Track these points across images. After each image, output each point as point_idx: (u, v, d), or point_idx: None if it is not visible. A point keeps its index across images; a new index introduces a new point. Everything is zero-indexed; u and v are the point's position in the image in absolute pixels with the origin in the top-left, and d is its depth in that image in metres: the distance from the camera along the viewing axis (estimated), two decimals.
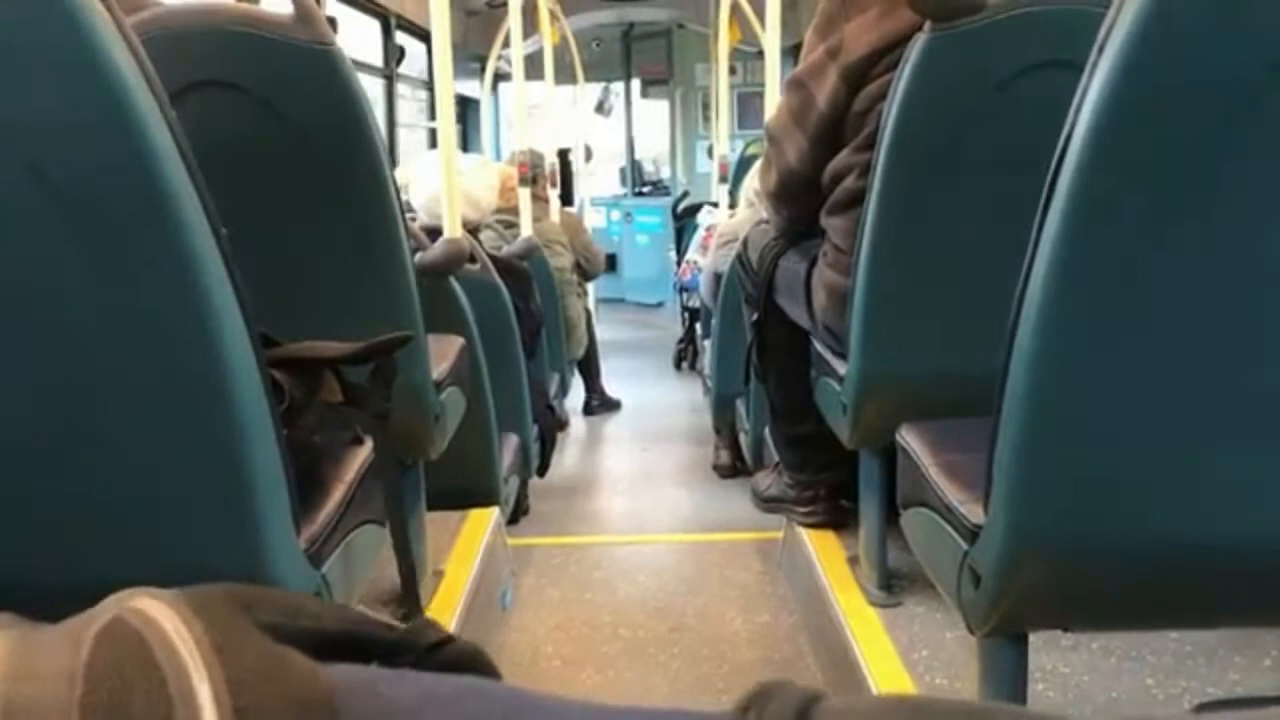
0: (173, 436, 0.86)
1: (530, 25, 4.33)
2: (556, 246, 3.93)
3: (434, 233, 2.23)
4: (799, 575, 2.18)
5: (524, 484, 2.82)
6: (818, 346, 1.88)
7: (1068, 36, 1.35)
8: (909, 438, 1.24)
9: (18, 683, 0.22)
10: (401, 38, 5.10)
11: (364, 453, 1.23)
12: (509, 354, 2.53)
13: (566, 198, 5.77)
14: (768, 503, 2.30)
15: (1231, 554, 0.93)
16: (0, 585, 0.85)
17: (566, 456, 3.83)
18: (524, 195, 3.62)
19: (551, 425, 3.19)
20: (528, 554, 2.60)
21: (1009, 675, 1.11)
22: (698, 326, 4.86)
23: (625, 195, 8.51)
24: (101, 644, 0.23)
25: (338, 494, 1.11)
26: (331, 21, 1.46)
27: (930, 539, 1.14)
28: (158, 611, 0.24)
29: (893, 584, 1.83)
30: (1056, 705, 1.44)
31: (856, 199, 1.60)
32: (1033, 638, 1.13)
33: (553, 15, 5.01)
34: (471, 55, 6.19)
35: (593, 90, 8.25)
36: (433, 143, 5.69)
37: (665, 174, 8.74)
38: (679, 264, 5.46)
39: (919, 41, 1.42)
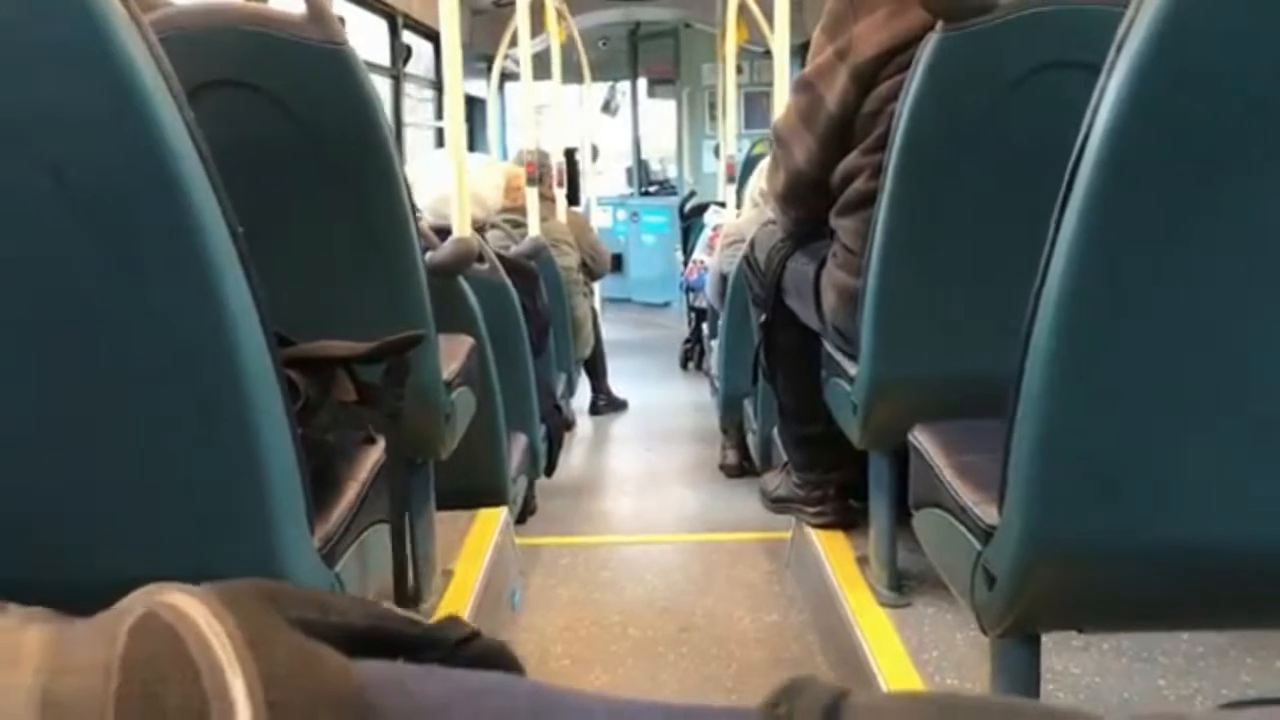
0: (189, 435, 0.86)
1: (537, 24, 4.33)
2: (563, 246, 3.93)
3: (440, 232, 2.24)
4: (808, 575, 2.18)
5: (531, 484, 2.82)
6: (827, 347, 1.88)
7: (1080, 36, 1.35)
8: (922, 438, 1.24)
9: (55, 675, 0.22)
10: (408, 37, 5.11)
11: (376, 452, 1.23)
12: (517, 354, 2.53)
13: (573, 197, 5.78)
14: (776, 503, 2.30)
15: (1246, 556, 0.93)
16: (18, 582, 0.85)
17: (573, 456, 3.83)
18: (531, 195, 3.62)
19: (559, 425, 3.19)
20: (536, 553, 2.60)
21: (1021, 676, 1.11)
22: (704, 326, 4.86)
23: (632, 195, 8.51)
24: (135, 637, 0.23)
25: (351, 493, 1.11)
26: (339, 20, 1.46)
27: (943, 540, 1.14)
28: (189, 606, 0.24)
29: (902, 584, 1.82)
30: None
31: (867, 200, 1.60)
32: (1044, 639, 1.13)
33: (560, 14, 5.01)
34: (478, 55, 6.19)
35: (599, 90, 8.25)
36: (439, 142, 5.69)
37: (672, 174, 8.74)
38: (685, 264, 5.47)
39: (931, 41, 1.42)
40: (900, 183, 1.48)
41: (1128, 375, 0.87)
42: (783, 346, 2.12)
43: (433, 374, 1.61)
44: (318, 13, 1.38)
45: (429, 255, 1.91)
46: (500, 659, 0.31)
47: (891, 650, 1.62)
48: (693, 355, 5.42)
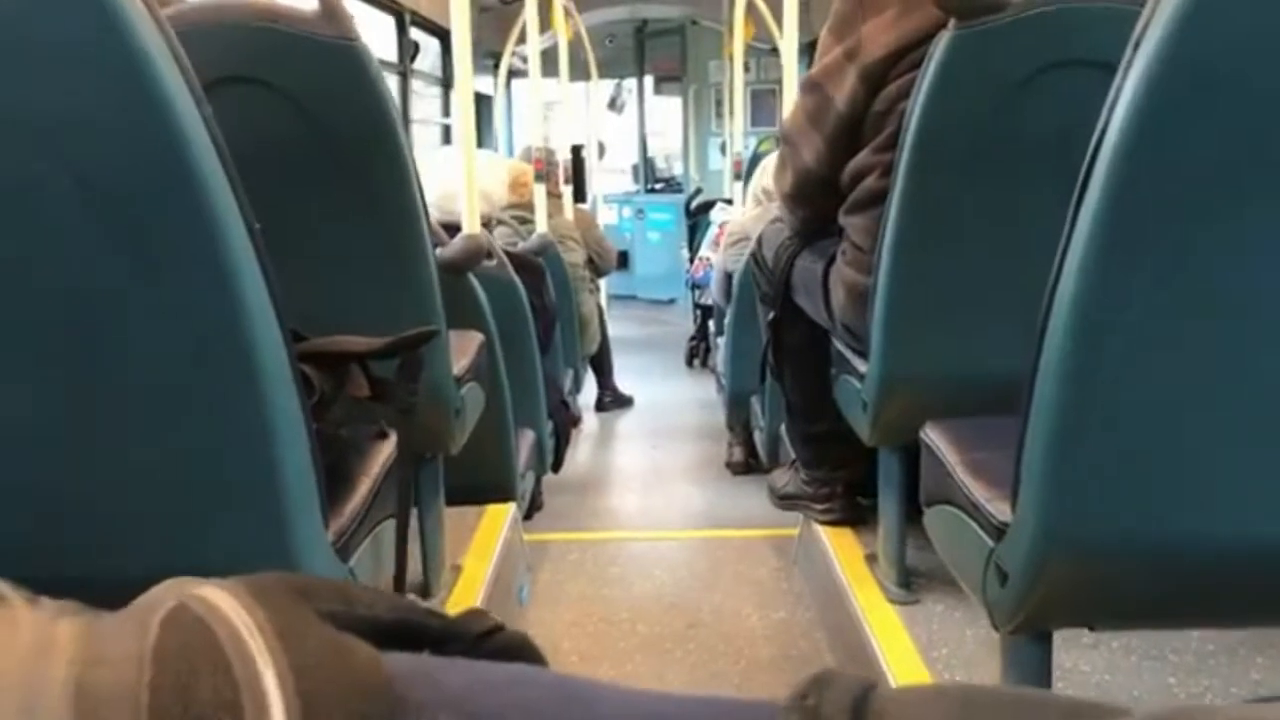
0: (205, 430, 0.86)
1: (544, 22, 4.33)
2: (569, 242, 3.93)
3: (446, 228, 2.24)
4: (816, 572, 2.18)
5: (538, 479, 2.82)
6: (837, 345, 1.88)
7: (1093, 34, 1.35)
8: (933, 435, 1.24)
9: (87, 666, 0.22)
10: (415, 33, 5.11)
11: (388, 447, 1.24)
12: (525, 350, 2.54)
13: (579, 194, 5.77)
14: (784, 500, 2.30)
15: (1258, 554, 0.93)
16: (34, 578, 0.85)
17: (579, 452, 3.83)
18: (539, 191, 3.62)
19: (566, 421, 3.19)
20: (543, 549, 2.61)
21: (1033, 673, 1.11)
22: (710, 324, 4.86)
23: (638, 192, 8.50)
24: (167, 629, 0.23)
25: (364, 488, 1.11)
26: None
27: (955, 537, 1.14)
28: (219, 598, 0.24)
29: (911, 581, 1.82)
30: None
31: (877, 198, 1.60)
32: (1054, 636, 1.13)
33: (567, 12, 5.01)
34: (485, 52, 6.19)
35: (606, 87, 8.24)
36: (446, 139, 5.69)
37: (678, 171, 8.73)
38: (691, 261, 5.46)
39: (942, 40, 1.41)
40: (911, 180, 1.48)
41: (1142, 374, 0.87)
42: (790, 344, 2.12)
43: (443, 370, 1.61)
44: (330, 9, 1.38)
45: (438, 251, 1.91)
46: (522, 651, 0.32)
47: (901, 647, 1.63)
48: (698, 352, 5.41)
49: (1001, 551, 1.00)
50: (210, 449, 0.87)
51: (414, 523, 1.45)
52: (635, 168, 8.62)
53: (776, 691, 0.24)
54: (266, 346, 0.85)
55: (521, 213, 3.68)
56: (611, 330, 4.76)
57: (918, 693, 0.24)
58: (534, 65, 3.69)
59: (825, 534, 2.12)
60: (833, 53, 1.67)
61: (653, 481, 3.51)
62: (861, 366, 1.68)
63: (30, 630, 0.23)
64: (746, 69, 5.24)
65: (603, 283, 4.83)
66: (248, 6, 1.42)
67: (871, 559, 1.95)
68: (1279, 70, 0.78)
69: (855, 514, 2.15)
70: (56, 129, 0.77)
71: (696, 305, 5.43)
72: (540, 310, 2.83)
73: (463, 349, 1.80)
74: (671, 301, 7.81)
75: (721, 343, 3.67)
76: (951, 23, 1.40)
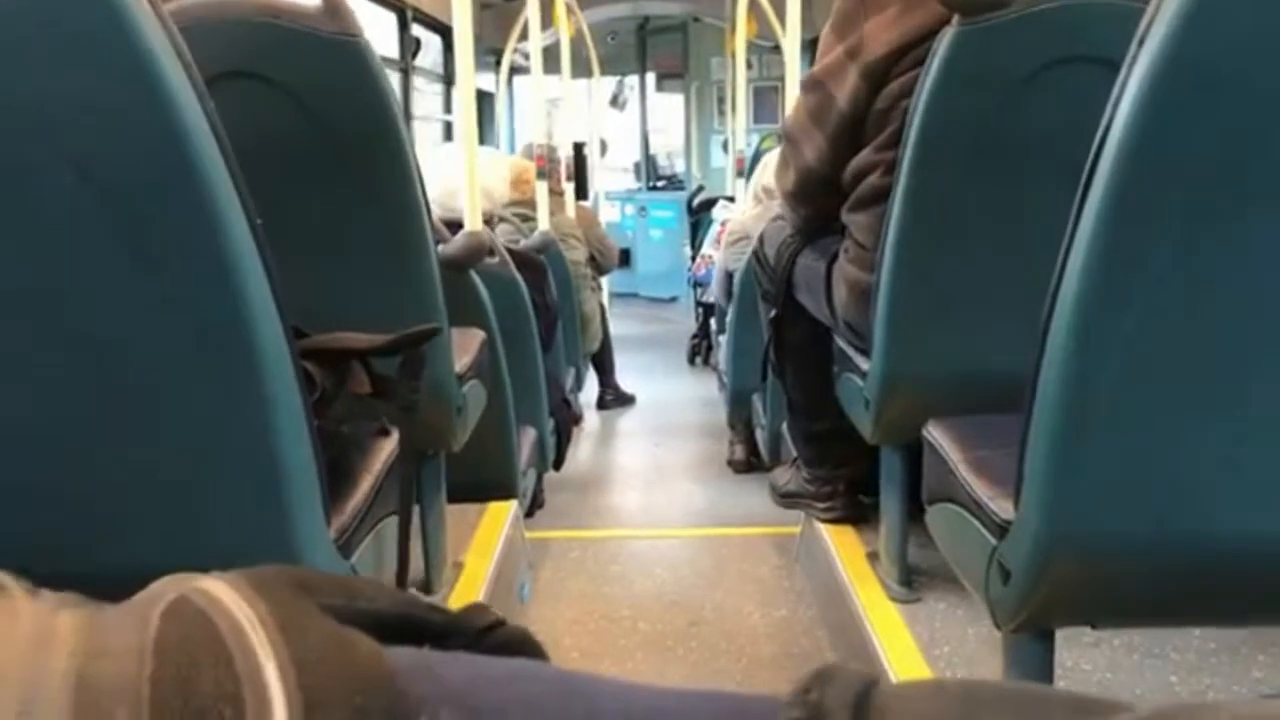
0: (206, 426, 0.86)
1: (546, 18, 4.33)
2: (571, 240, 3.93)
3: (448, 225, 2.24)
4: (817, 570, 2.18)
5: (540, 477, 2.82)
6: (839, 342, 1.88)
7: (1097, 31, 1.35)
8: (936, 433, 1.24)
9: (89, 659, 0.22)
10: (417, 30, 5.11)
11: (390, 444, 1.23)
12: (527, 348, 2.53)
13: (581, 192, 5.78)
14: (786, 498, 2.30)
15: (1262, 552, 0.93)
16: (35, 572, 0.85)
17: (581, 450, 3.83)
18: (541, 189, 3.62)
19: (568, 419, 3.19)
20: (545, 547, 2.61)
21: (1035, 672, 1.11)
22: (712, 322, 4.86)
23: (640, 189, 8.50)
24: (168, 622, 0.23)
25: (366, 484, 1.11)
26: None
27: (957, 535, 1.14)
28: (220, 591, 0.24)
29: (913, 579, 1.82)
30: None
31: (880, 195, 1.60)
32: (1056, 634, 1.13)
33: (569, 9, 5.01)
34: (486, 49, 6.19)
35: (608, 84, 8.24)
36: (447, 135, 5.70)
37: (680, 168, 8.73)
38: (694, 259, 5.46)
39: (946, 36, 1.41)
40: (914, 177, 1.48)
41: (1145, 372, 0.87)
42: (792, 342, 2.12)
43: (445, 367, 1.61)
44: (333, 5, 1.37)
45: (440, 248, 1.91)
46: (524, 647, 0.31)
47: (902, 645, 1.62)
48: (700, 350, 5.41)
49: (1004, 550, 1.00)
50: (211, 445, 0.87)
51: (415, 520, 1.45)
52: (637, 165, 8.61)
53: (778, 689, 0.24)
54: (268, 343, 0.85)
55: (523, 210, 3.67)
56: (613, 328, 4.76)
57: (919, 688, 0.24)
58: (536, 62, 3.69)
59: (827, 532, 2.12)
60: (834, 51, 1.67)
61: (654, 479, 3.52)
62: (864, 364, 1.68)
63: (31, 622, 0.23)
64: (749, 66, 5.23)
65: (604, 280, 4.83)
66: (250, 2, 1.42)
67: (873, 557, 1.95)
68: None
69: (857, 512, 2.15)
70: (60, 123, 0.77)
71: (698, 303, 5.43)
72: (542, 308, 2.83)
73: (464, 346, 1.80)
74: (673, 299, 7.81)
75: (723, 341, 3.67)
76: (955, 19, 1.40)
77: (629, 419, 4.45)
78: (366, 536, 1.08)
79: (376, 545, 1.11)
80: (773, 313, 2.13)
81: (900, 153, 1.50)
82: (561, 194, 4.17)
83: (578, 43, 5.70)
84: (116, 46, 0.75)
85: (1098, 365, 0.87)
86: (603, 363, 4.52)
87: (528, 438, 2.55)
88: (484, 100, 6.78)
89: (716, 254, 4.23)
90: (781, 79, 5.95)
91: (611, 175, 8.27)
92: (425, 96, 5.72)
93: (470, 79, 2.19)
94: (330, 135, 1.40)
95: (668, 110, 8.75)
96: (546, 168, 3.65)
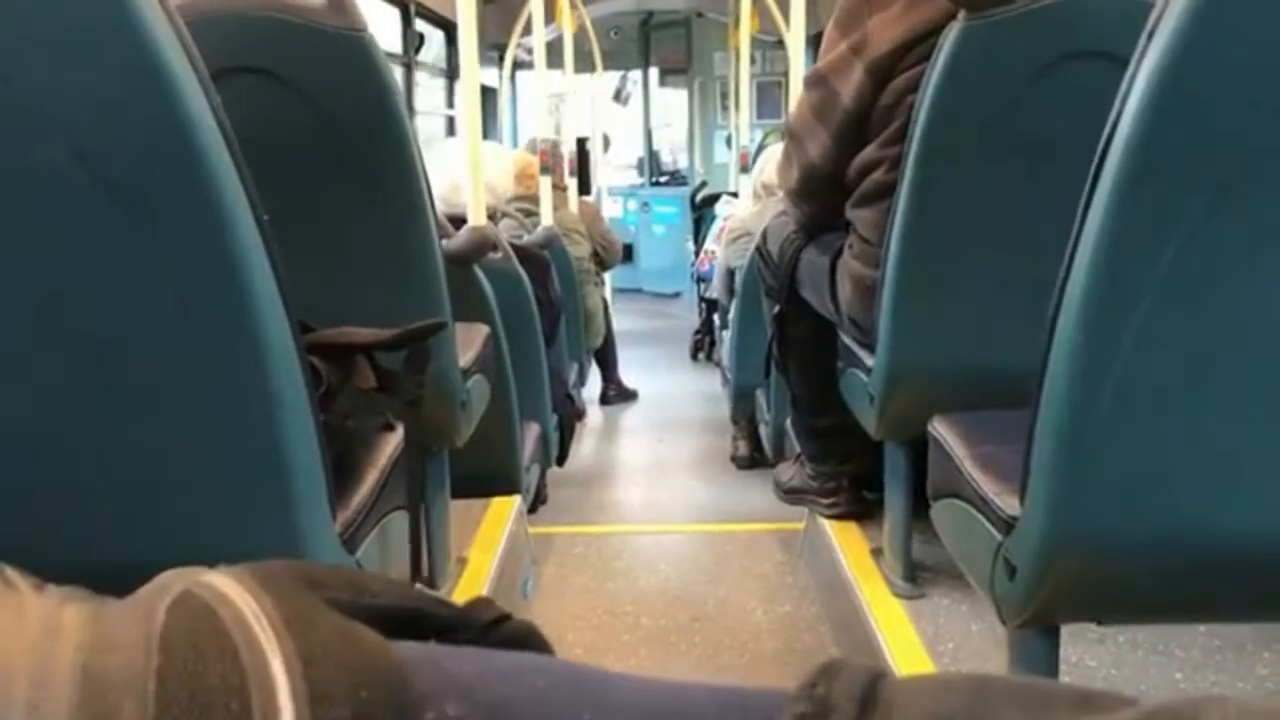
0: (212, 421, 0.86)
1: (549, 13, 4.32)
2: (574, 235, 3.93)
3: (451, 221, 2.24)
4: (821, 566, 2.18)
5: (543, 473, 2.82)
6: (843, 338, 1.88)
7: (1104, 26, 1.34)
8: (941, 429, 1.23)
9: (95, 652, 0.22)
10: (420, 25, 5.10)
11: (395, 439, 1.23)
12: (530, 343, 2.53)
13: (584, 187, 5.78)
14: (790, 494, 2.30)
15: (1269, 550, 0.93)
16: (40, 566, 0.85)
17: (584, 446, 3.83)
18: (545, 184, 3.62)
19: (570, 415, 3.19)
20: (548, 542, 2.61)
21: (1040, 667, 1.11)
22: (715, 317, 4.86)
23: (643, 185, 8.50)
24: (174, 616, 0.23)
25: (371, 479, 1.11)
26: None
27: (963, 530, 1.13)
28: (226, 585, 0.24)
29: (917, 576, 1.82)
30: None
31: (885, 191, 1.59)
32: (1060, 630, 1.13)
33: (572, 3, 5.00)
34: (489, 44, 6.18)
35: (611, 79, 8.23)
36: (450, 130, 5.69)
37: (683, 163, 8.72)
38: (697, 254, 5.46)
39: (953, 31, 1.41)
40: (920, 173, 1.47)
41: (1152, 369, 0.87)
42: (796, 338, 2.12)
43: (449, 362, 1.61)
44: (337, 0, 1.37)
45: (444, 243, 1.91)
46: (530, 640, 0.31)
47: (906, 641, 1.62)
48: (703, 346, 5.41)
49: (1010, 545, 1.00)
50: (217, 440, 0.87)
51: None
52: (640, 160, 8.61)
53: (781, 685, 0.24)
54: (274, 335, 0.85)
55: (527, 205, 3.67)
56: (616, 323, 4.76)
57: (926, 682, 0.24)
58: (539, 57, 3.69)
59: (830, 528, 2.12)
60: (838, 47, 1.66)
61: (657, 475, 3.52)
62: (868, 360, 1.68)
63: (37, 616, 0.23)
64: (752, 61, 5.23)
65: (608, 276, 4.83)
66: None
67: (877, 553, 1.95)
68: None
69: (861, 508, 2.15)
70: (66, 117, 0.77)
71: (701, 298, 5.43)
72: (545, 303, 2.83)
73: (468, 341, 1.80)
74: (676, 295, 7.81)
75: (726, 336, 3.67)
76: (961, 14, 1.40)
77: (632, 414, 4.45)
78: (372, 531, 1.08)
79: (382, 540, 1.11)
80: (777, 308, 2.13)
81: (905, 148, 1.50)
82: (565, 189, 4.16)
83: (581, 38, 5.69)
84: (123, 41, 0.75)
85: (1104, 362, 0.87)
86: (606, 358, 4.52)
87: (531, 433, 2.55)
88: (487, 95, 6.78)
89: (719, 250, 4.23)
90: (785, 74, 5.95)
91: (615, 170, 8.26)
92: (429, 92, 5.72)
93: (474, 74, 2.19)
94: (335, 130, 1.40)
95: (671, 105, 8.74)
96: (550, 163, 3.65)
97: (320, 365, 1.03)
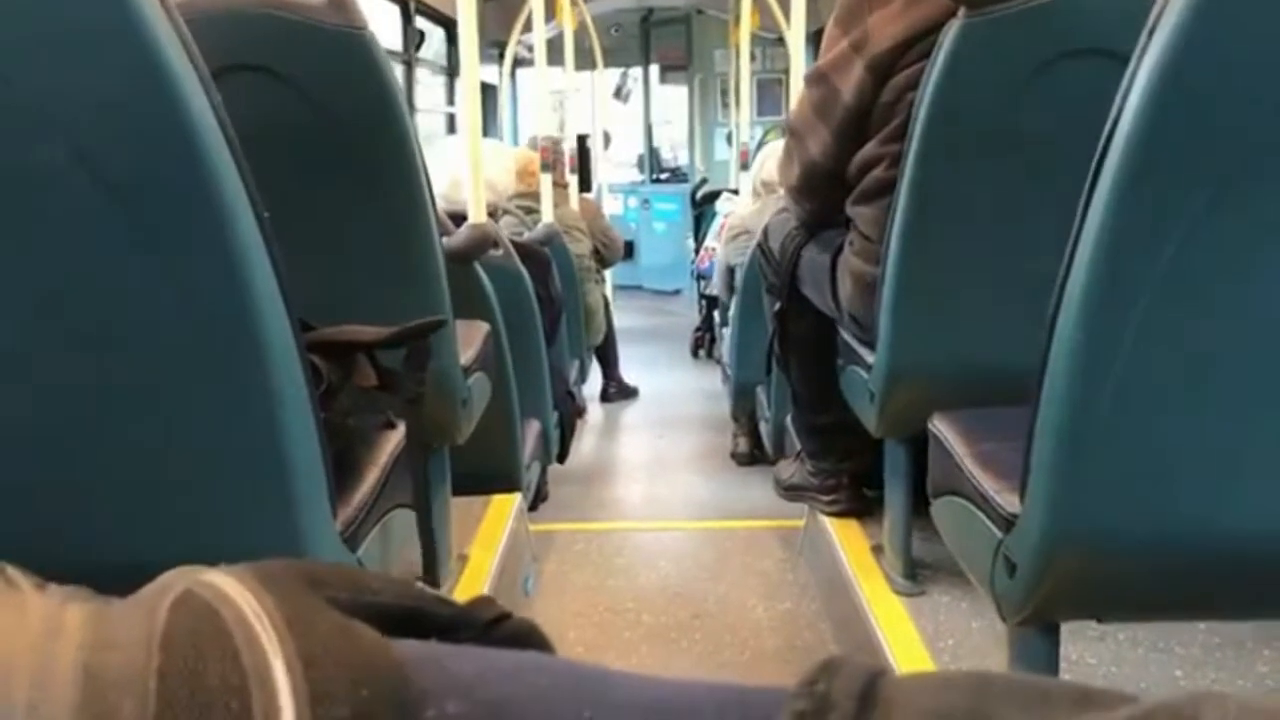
0: (213, 419, 0.86)
1: (549, 10, 4.32)
2: (575, 233, 3.93)
3: (451, 217, 2.24)
4: (821, 563, 2.18)
5: (544, 470, 2.82)
6: (844, 335, 1.88)
7: (1105, 23, 1.34)
8: (942, 426, 1.23)
9: (96, 651, 0.22)
10: (420, 22, 5.10)
11: (395, 437, 1.23)
12: (531, 340, 2.53)
13: (585, 184, 5.77)
14: (790, 491, 2.30)
15: (1269, 547, 0.93)
16: (42, 566, 0.85)
17: (584, 443, 3.83)
18: (546, 181, 3.61)
19: (571, 412, 3.19)
20: (549, 539, 2.61)
21: (1040, 665, 1.11)
22: (715, 314, 4.86)
23: (643, 182, 8.49)
24: (175, 615, 0.23)
25: (372, 477, 1.11)
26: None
27: (962, 528, 1.14)
28: (227, 585, 0.24)
29: (917, 573, 1.82)
30: None
31: (886, 188, 1.59)
32: (1061, 628, 1.13)
33: (572, 0, 5.00)
34: (490, 41, 6.18)
35: (611, 76, 8.23)
36: (451, 128, 5.69)
37: (683, 160, 8.72)
38: (697, 251, 5.45)
39: (952, 29, 1.41)
40: (920, 170, 1.47)
41: (1152, 367, 0.87)
42: (796, 335, 2.12)
43: (450, 359, 1.61)
44: None
45: (444, 241, 1.91)
46: (531, 639, 0.31)
47: (906, 638, 1.62)
48: (703, 343, 5.41)
49: (1010, 543, 1.00)
50: (218, 438, 0.87)
51: None
52: (641, 157, 8.60)
53: (781, 682, 0.24)
54: (274, 334, 0.85)
55: (527, 202, 3.67)
56: (617, 321, 4.76)
57: (926, 679, 0.24)
58: (540, 54, 3.69)
59: (831, 525, 2.12)
60: (839, 45, 1.66)
61: (658, 472, 3.52)
62: (869, 357, 1.68)
63: (39, 615, 0.23)
64: (752, 58, 5.23)
65: (608, 273, 4.83)
66: None
67: (877, 550, 1.95)
68: None
69: (861, 505, 2.15)
70: (66, 116, 0.77)
71: (702, 296, 5.42)
72: (546, 300, 2.83)
73: (469, 339, 1.80)
74: (677, 292, 7.80)
75: (726, 333, 3.67)
76: (961, 11, 1.40)
77: (632, 412, 4.45)
78: (373, 529, 1.08)
79: (383, 538, 1.11)
80: (777, 305, 2.13)
81: (906, 146, 1.50)
82: (565, 186, 4.16)
83: (581, 35, 5.69)
84: (123, 39, 0.75)
85: (1104, 359, 0.87)
86: (606, 355, 4.52)
87: (532, 430, 2.55)
88: (487, 93, 6.78)
89: (719, 247, 4.23)
90: (785, 71, 5.94)
91: (615, 167, 8.26)
92: (429, 90, 5.72)
93: (474, 71, 2.19)
94: (335, 128, 1.40)
95: (671, 102, 8.73)
96: (551, 159, 3.65)
97: (321, 363, 1.03)
